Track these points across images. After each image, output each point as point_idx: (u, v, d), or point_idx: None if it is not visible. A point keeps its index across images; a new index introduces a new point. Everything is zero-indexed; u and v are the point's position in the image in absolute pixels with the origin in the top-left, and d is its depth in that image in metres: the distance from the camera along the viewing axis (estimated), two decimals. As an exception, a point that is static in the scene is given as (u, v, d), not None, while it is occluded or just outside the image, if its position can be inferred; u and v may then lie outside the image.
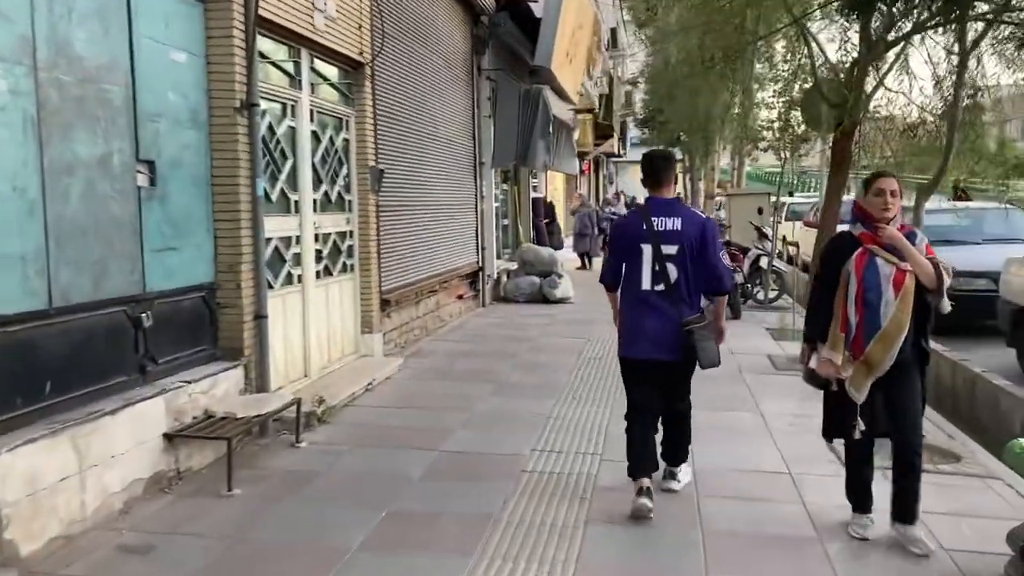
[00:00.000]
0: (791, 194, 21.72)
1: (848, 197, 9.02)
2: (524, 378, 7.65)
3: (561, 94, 14.80)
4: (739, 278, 12.15)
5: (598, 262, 18.31)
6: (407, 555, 3.88)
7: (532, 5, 12.53)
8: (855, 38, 7.25)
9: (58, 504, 3.88)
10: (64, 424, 3.95)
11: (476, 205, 12.15)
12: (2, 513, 3.55)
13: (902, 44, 7.29)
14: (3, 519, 3.56)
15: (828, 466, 5.16)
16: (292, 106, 6.53)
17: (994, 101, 7.25)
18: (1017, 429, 6.47)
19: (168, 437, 4.71)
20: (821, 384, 4.14)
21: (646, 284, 4.40)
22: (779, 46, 10.08)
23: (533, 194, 17.24)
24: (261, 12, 5.59)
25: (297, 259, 6.58)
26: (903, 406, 3.90)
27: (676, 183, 4.77)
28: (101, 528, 4.10)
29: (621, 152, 36.96)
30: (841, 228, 9.15)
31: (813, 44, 7.95)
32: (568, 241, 20.09)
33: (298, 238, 6.59)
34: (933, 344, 4.58)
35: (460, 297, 11.41)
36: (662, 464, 4.74)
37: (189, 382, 4.99)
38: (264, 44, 6.03)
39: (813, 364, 4.11)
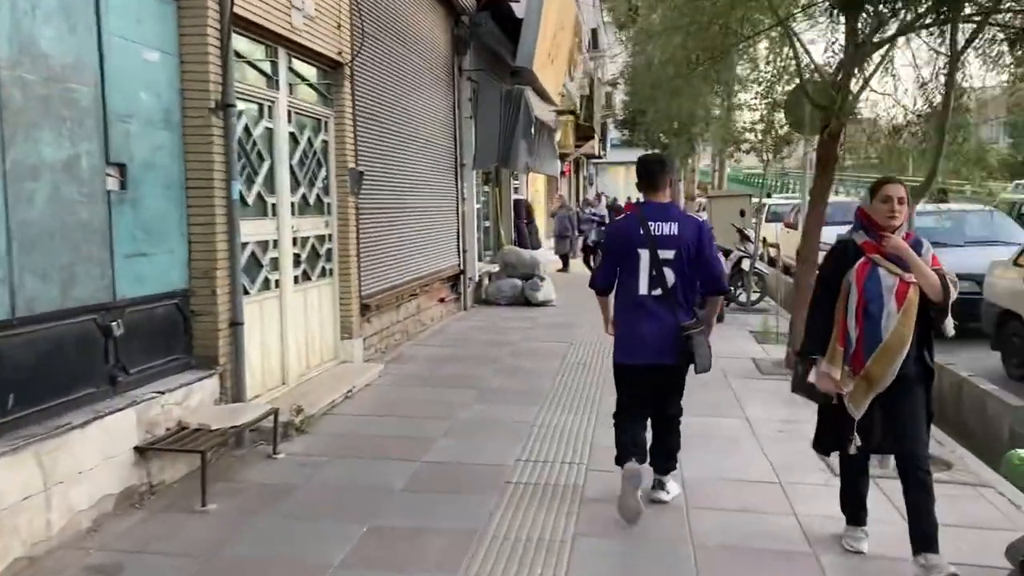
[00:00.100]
0: (769, 195, 21.79)
1: (835, 199, 8.97)
2: (507, 384, 7.51)
3: (543, 95, 14.70)
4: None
5: (576, 264, 18.22)
6: (389, 573, 3.74)
7: (513, 5, 12.41)
8: (840, 39, 7.17)
9: (20, 524, 3.70)
10: (28, 440, 3.77)
11: (457, 207, 12.01)
12: (-39, 535, 3.38)
13: (887, 46, 7.24)
14: (-38, 541, 3.38)
15: (818, 475, 5.07)
16: (269, 107, 6.36)
17: (979, 103, 7.20)
18: (1005, 434, 6.42)
19: (140, 450, 4.53)
20: (819, 399, 3.98)
21: (643, 289, 4.37)
22: (762, 47, 10.02)
23: (515, 196, 17.12)
24: (237, 10, 5.43)
25: (275, 264, 6.41)
26: (904, 420, 3.71)
27: (672, 186, 4.70)
28: (68, 548, 3.92)
29: (602, 154, 36.93)
30: (827, 230, 9.20)
31: (798, 45, 7.87)
32: (549, 243, 19.98)
33: (276, 242, 6.42)
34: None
35: (441, 300, 11.27)
36: (650, 473, 4.65)
37: (162, 393, 4.81)
38: (240, 43, 5.86)
39: (812, 378, 3.93)
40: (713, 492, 4.80)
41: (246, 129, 5.96)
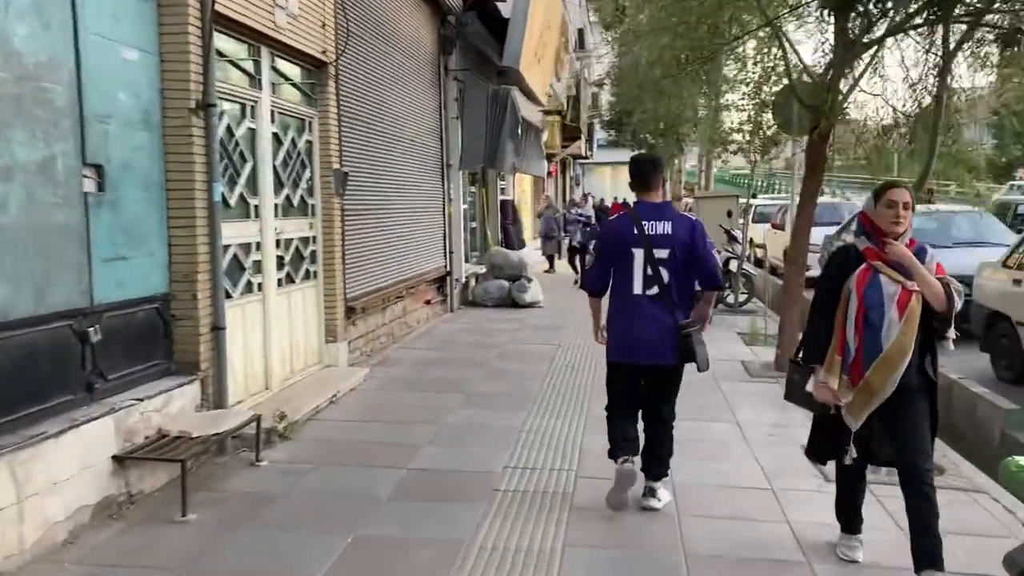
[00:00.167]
0: (754, 196, 21.77)
1: (821, 199, 8.93)
2: (494, 387, 7.42)
3: (529, 95, 14.61)
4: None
5: (562, 265, 18.13)
6: (374, 586, 3.64)
7: (500, 5, 12.32)
8: (830, 38, 7.11)
9: (-7, 538, 3.58)
10: (0, 450, 3.65)
11: (444, 208, 11.90)
12: (-71, 550, 3.26)
13: (876, 47, 7.19)
14: (-69, 557, 3.26)
15: (811, 480, 5.01)
16: (252, 107, 6.24)
17: (968, 104, 7.18)
18: (996, 437, 6.39)
19: (118, 459, 4.41)
20: (816, 409, 3.86)
21: (637, 288, 4.36)
22: (750, 48, 9.97)
23: (501, 196, 17.03)
24: (218, 8, 5.31)
25: (257, 266, 6.30)
26: (905, 431, 3.58)
27: (665, 186, 4.70)
28: (42, 561, 3.80)
29: (588, 154, 36.86)
30: (816, 231, 9.15)
31: (787, 45, 7.82)
32: (536, 243, 19.90)
33: (258, 244, 6.31)
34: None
35: (428, 302, 11.16)
36: (641, 479, 4.58)
37: (141, 399, 4.69)
38: (222, 42, 5.75)
39: (810, 388, 3.82)
40: (704, 499, 4.73)
41: (228, 129, 5.84)
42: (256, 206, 6.28)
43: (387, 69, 9.29)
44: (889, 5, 6.00)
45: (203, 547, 4.02)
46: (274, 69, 6.63)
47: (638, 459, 4.57)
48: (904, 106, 7.24)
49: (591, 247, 16.31)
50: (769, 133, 9.99)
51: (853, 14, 6.36)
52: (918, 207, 9.70)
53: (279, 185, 6.67)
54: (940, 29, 6.16)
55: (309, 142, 7.31)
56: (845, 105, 7.29)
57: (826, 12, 6.51)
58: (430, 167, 11.30)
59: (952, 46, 5.66)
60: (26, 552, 3.76)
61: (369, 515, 4.42)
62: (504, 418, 6.30)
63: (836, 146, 8.37)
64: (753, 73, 10.28)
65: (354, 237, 8.10)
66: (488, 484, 4.87)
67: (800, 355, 3.95)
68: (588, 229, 16.31)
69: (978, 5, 5.48)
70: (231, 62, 5.98)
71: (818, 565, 3.87)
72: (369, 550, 4.00)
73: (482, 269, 13.65)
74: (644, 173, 4.52)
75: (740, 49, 10.60)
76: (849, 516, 3.96)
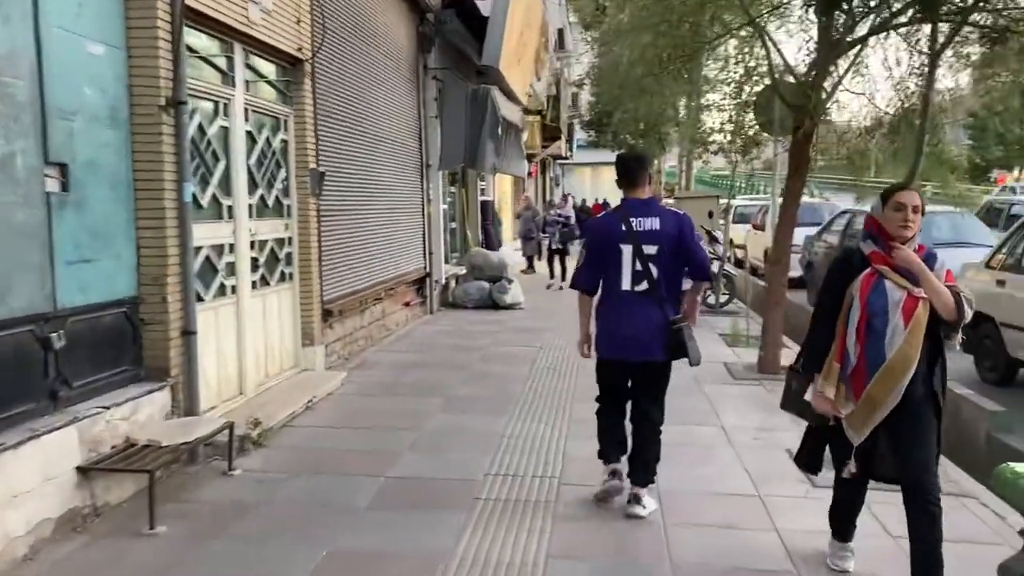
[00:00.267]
0: (732, 196, 21.73)
1: (804, 200, 8.88)
2: (475, 391, 7.28)
3: (509, 95, 14.47)
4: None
5: (541, 266, 18.00)
6: (350, 602, 3.50)
7: (479, 3, 12.16)
8: (814, 35, 7.04)
9: (-53, 555, 3.40)
10: (-45, 463, 3.48)
11: (423, 208, 11.75)
12: None
13: (859, 46, 7.13)
14: None
15: (798, 486, 4.91)
16: (225, 104, 6.07)
17: (952, 103, 7.14)
18: (981, 439, 6.34)
19: (82, 470, 4.23)
20: (813, 419, 3.69)
21: (626, 285, 4.36)
22: (731, 48, 9.89)
23: (481, 197, 16.89)
24: (189, 2, 5.16)
25: (231, 269, 6.12)
26: (911, 445, 3.38)
27: (651, 183, 4.70)
28: (0, 579, 3.63)
29: (568, 155, 36.80)
30: (797, 231, 9.08)
31: (770, 45, 7.74)
32: (516, 244, 19.79)
33: (232, 246, 6.13)
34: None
35: (407, 304, 11.01)
36: (627, 486, 4.51)
37: (107, 407, 4.51)
38: (193, 37, 5.58)
39: (809, 397, 3.66)
40: (690, 506, 4.62)
41: (200, 128, 5.67)
42: (229, 206, 6.11)
43: (365, 67, 9.13)
44: (873, 4, 5.93)
45: (171, 561, 3.86)
46: (248, 66, 6.46)
47: (625, 463, 4.53)
48: (888, 105, 7.18)
49: (568, 247, 16.26)
50: (751, 133, 9.87)
51: (837, 12, 6.29)
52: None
53: (253, 185, 6.50)
54: (925, 28, 6.10)
55: (284, 141, 7.14)
56: (829, 104, 7.22)
57: (810, 10, 6.43)
58: (409, 167, 11.15)
59: (940, 44, 5.58)
60: (-17, 570, 3.59)
61: (346, 526, 4.27)
62: (485, 423, 6.17)
63: (819, 146, 8.30)
64: (735, 73, 10.17)
65: (331, 238, 7.94)
66: (469, 492, 4.73)
67: (800, 362, 3.79)
68: (566, 230, 16.19)
69: (962, 4, 5.41)
70: (203, 58, 5.80)
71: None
72: (345, 563, 3.86)
73: (462, 270, 13.50)
74: (630, 171, 4.52)
75: (722, 49, 10.51)
76: (843, 523, 3.82)
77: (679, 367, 4.61)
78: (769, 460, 5.41)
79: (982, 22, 5.78)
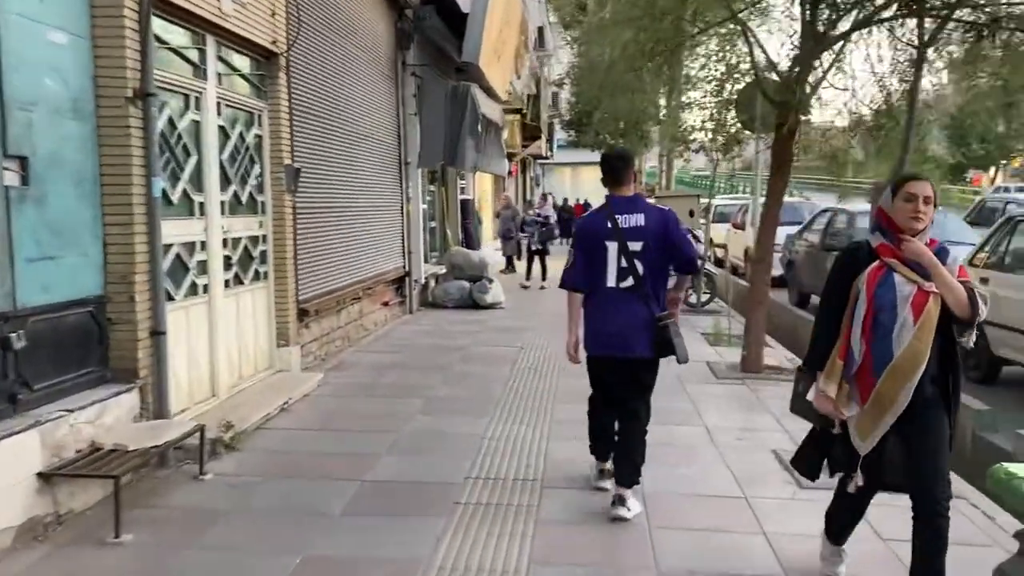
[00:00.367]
0: (711, 196, 21.74)
1: (795, 199, 8.82)
2: (455, 392, 7.14)
3: (489, 92, 14.34)
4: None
5: (520, 265, 17.88)
6: (324, 613, 3.35)
7: (458, -1, 12.05)
8: (797, 29, 6.95)
9: None
10: (-95, 470, 3.29)
11: (402, 207, 11.59)
12: None
13: (842, 43, 7.07)
14: None
15: (784, 488, 4.81)
16: (196, 98, 5.89)
17: (938, 99, 7.09)
18: (968, 438, 6.28)
19: (44, 476, 4.05)
20: (818, 421, 3.49)
21: (611, 281, 4.35)
22: (713, 45, 9.82)
23: (461, 196, 16.74)
24: (157, -10, 4.98)
25: (203, 267, 5.94)
26: (923, 452, 3.17)
27: (636, 180, 4.69)
28: (-45, 592, 3.45)
29: (548, 154, 36.73)
30: (780, 230, 9.01)
31: (752, 40, 7.66)
32: (495, 244, 19.65)
33: (204, 244, 5.95)
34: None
35: (385, 304, 10.84)
36: (611, 487, 4.43)
37: (71, 411, 4.33)
38: (162, 27, 5.40)
39: (811, 397, 3.46)
40: (675, 508, 4.51)
41: (170, 121, 5.50)
42: (201, 203, 5.93)
43: (341, 62, 8.96)
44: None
45: (137, 570, 3.70)
46: (220, 59, 6.28)
47: (605, 502, 4.46)
48: (871, 102, 7.12)
49: (548, 247, 16.14)
50: (732, 131, 9.78)
51: (822, 5, 6.22)
52: (870, 205, 9.64)
53: (226, 181, 6.32)
54: (910, 23, 6.04)
55: (259, 136, 6.97)
56: (813, 100, 7.15)
57: (795, 3, 6.36)
58: (387, 164, 10.99)
59: (927, 38, 5.52)
60: (-65, 583, 3.41)
61: (321, 532, 4.12)
62: (465, 425, 6.03)
63: (802, 143, 8.24)
64: (716, 71, 10.10)
65: (307, 236, 7.77)
66: (448, 496, 4.59)
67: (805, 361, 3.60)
68: (545, 229, 16.07)
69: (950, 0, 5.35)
70: (173, 50, 5.62)
71: (798, 580, 3.67)
72: (320, 571, 3.71)
73: (442, 270, 13.35)
74: (615, 169, 4.52)
75: (702, 48, 10.45)
76: (842, 527, 3.61)
77: (662, 366, 4.55)
78: (754, 461, 5.32)
79: (966, 18, 5.71)
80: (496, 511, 4.40)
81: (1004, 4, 5.57)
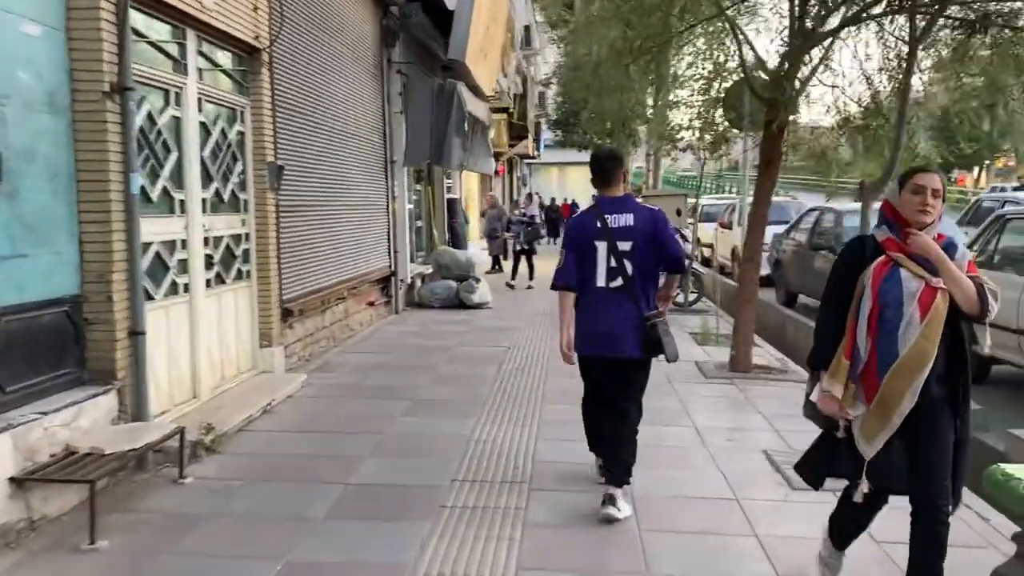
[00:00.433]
0: (697, 196, 21.74)
1: (782, 199, 8.77)
2: (441, 393, 7.04)
3: (476, 91, 14.25)
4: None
5: (506, 265, 17.79)
6: (306, 622, 3.25)
7: (444, -4, 11.95)
8: (785, 23, 6.90)
9: None
10: None
11: (388, 205, 11.47)
12: None
13: (831, 39, 7.02)
14: None
15: (776, 489, 4.75)
16: (177, 93, 5.76)
17: (927, 96, 7.05)
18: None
19: (16, 481, 3.92)
20: (823, 423, 3.34)
21: (601, 281, 4.34)
22: (700, 42, 9.77)
23: (448, 195, 16.63)
24: (135, -17, 4.86)
25: (183, 266, 5.82)
26: (927, 457, 3.06)
27: (625, 180, 4.68)
28: (-79, 602, 3.33)
29: (535, 154, 36.66)
30: (768, 230, 8.96)
31: (741, 37, 7.60)
32: (481, 243, 19.55)
33: (184, 242, 5.83)
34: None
35: (371, 304, 10.73)
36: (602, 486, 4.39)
37: (45, 413, 4.21)
38: (140, 20, 5.28)
39: (815, 397, 3.32)
40: (666, 511, 4.43)
41: (149, 117, 5.38)
42: (182, 200, 5.81)
43: (326, 59, 8.84)
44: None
45: (112, 579, 3.58)
46: (201, 53, 6.16)
47: (595, 502, 4.38)
48: (860, 100, 7.08)
49: (535, 246, 16.06)
50: (720, 129, 9.72)
51: (812, 2, 6.17)
52: (858, 204, 9.61)
53: (207, 178, 6.20)
54: (900, 19, 5.99)
55: (241, 133, 6.84)
56: (803, 96, 7.10)
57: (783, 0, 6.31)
58: (373, 163, 10.87)
59: (919, 33, 5.47)
60: (-99, 593, 3.29)
61: (303, 537, 4.02)
62: (451, 426, 5.93)
63: (790, 140, 8.19)
64: (703, 69, 10.05)
65: (290, 235, 7.65)
66: (434, 500, 4.49)
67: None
68: (531, 229, 15.98)
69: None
70: (152, 44, 5.50)
71: (792, 584, 3.60)
72: (302, 578, 3.61)
73: (429, 269, 13.24)
74: (605, 169, 4.53)
75: (688, 47, 10.40)
76: (846, 534, 3.45)
77: (651, 365, 4.50)
78: (744, 462, 5.25)
79: (956, 14, 5.67)
80: (483, 514, 4.30)
81: (994, 1, 5.54)
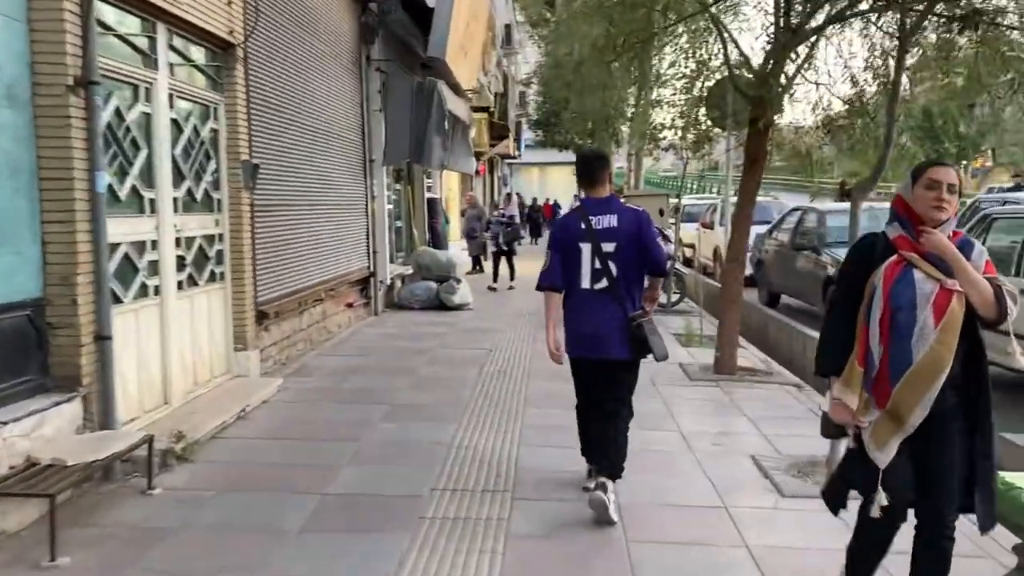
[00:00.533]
0: (678, 196, 21.71)
1: (763, 199, 8.68)
2: (421, 398, 6.87)
3: (456, 89, 14.10)
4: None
5: (487, 266, 17.63)
6: (278, 643, 3.08)
7: (424, -7, 11.78)
8: (770, 21, 6.80)
9: None
10: None
11: (367, 205, 11.29)
12: None
13: (814, 37, 6.92)
14: None
15: (765, 496, 4.63)
16: (146, 89, 5.57)
17: (914, 95, 6.97)
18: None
19: (-29, 495, 3.74)
20: (832, 432, 3.14)
21: (586, 283, 4.33)
22: (683, 41, 9.66)
23: (428, 194, 16.44)
24: (101, -28, 4.67)
25: (154, 268, 5.62)
26: (937, 469, 2.89)
27: (611, 181, 4.66)
28: None
29: (516, 154, 36.53)
30: (755, 230, 8.87)
31: (725, 35, 7.50)
32: (461, 243, 19.38)
33: (155, 243, 5.64)
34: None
35: (349, 305, 10.54)
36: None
37: (4, 423, 4.02)
38: (108, 12, 5.09)
39: (825, 407, 3.13)
40: (653, 519, 4.30)
41: (117, 113, 5.18)
42: (152, 200, 5.61)
43: (303, 55, 8.65)
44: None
45: (73, 598, 3.40)
46: (172, 48, 5.96)
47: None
48: (844, 97, 6.99)
49: (514, 247, 15.91)
50: (703, 128, 9.64)
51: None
52: (845, 204, 9.53)
53: (179, 177, 6.00)
54: (886, 16, 5.90)
55: (214, 130, 6.65)
56: (787, 95, 7.00)
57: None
58: (351, 162, 10.69)
59: (908, 29, 5.37)
60: None
61: (276, 552, 3.84)
62: (431, 432, 5.77)
63: (775, 139, 8.10)
64: (686, 68, 9.94)
65: (266, 235, 7.46)
66: (413, 510, 4.33)
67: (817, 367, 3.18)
68: (510, 229, 15.82)
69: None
70: (121, 37, 5.31)
71: (784, 597, 3.47)
72: (274, 596, 3.44)
73: (409, 270, 13.06)
74: (591, 170, 4.52)
75: (671, 47, 10.28)
76: (868, 570, 3.17)
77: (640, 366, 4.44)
78: (732, 467, 5.13)
79: (945, 11, 5.59)
80: (464, 525, 4.15)
81: (980, -1, 5.47)
